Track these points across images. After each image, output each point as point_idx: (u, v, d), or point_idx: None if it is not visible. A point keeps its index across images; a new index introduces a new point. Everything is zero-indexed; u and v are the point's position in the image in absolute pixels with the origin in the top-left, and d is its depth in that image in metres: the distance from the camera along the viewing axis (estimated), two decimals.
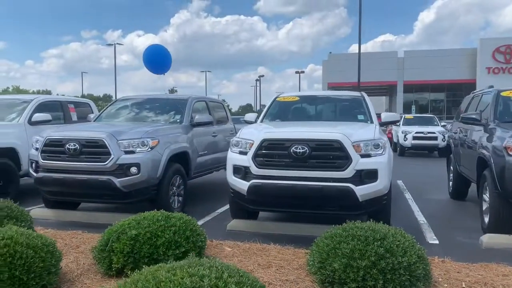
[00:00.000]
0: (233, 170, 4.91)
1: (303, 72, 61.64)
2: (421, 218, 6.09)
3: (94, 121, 7.04)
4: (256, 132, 4.94)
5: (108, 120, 6.96)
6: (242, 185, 4.78)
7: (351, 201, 4.49)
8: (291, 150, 4.54)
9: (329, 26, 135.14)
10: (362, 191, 4.46)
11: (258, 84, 66.25)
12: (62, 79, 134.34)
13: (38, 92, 65.83)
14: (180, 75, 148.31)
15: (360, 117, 5.96)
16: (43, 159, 5.48)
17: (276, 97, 6.63)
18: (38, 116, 7.40)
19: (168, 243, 3.56)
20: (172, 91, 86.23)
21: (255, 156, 4.70)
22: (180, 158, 6.12)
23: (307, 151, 4.50)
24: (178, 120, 6.71)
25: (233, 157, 4.95)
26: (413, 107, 42.32)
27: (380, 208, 4.78)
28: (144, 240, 3.53)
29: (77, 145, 5.30)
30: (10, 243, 3.09)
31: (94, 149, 5.32)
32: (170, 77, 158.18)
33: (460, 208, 7.01)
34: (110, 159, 5.24)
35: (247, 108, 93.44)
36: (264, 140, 4.69)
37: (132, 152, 5.37)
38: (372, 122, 5.79)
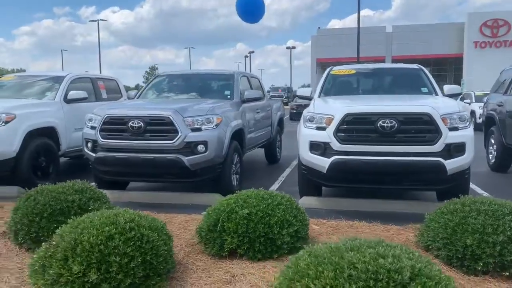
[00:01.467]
0: (309, 147, 4.76)
1: (294, 47, 61.21)
2: (480, 191, 6.08)
3: (137, 98, 6.75)
4: (335, 107, 4.77)
5: (154, 97, 6.68)
6: (322, 161, 4.64)
7: (440, 175, 4.40)
8: (378, 125, 4.40)
9: (308, 1, 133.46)
10: (451, 165, 4.37)
11: (248, 61, 65.64)
12: (36, 57, 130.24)
13: (13, 71, 63.20)
14: (157, 52, 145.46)
15: (424, 89, 5.83)
16: (102, 138, 5.22)
17: (330, 71, 6.43)
18: (74, 94, 7.07)
19: (281, 222, 3.42)
20: (153, 68, 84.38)
21: (337, 132, 4.55)
22: (237, 135, 5.94)
23: (396, 125, 4.37)
24: (228, 96, 6.48)
25: (309, 133, 4.79)
26: None
27: (462, 182, 4.71)
28: (258, 219, 3.38)
29: (141, 123, 5.06)
30: (134, 226, 2.90)
31: (160, 127, 5.09)
32: (147, 55, 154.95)
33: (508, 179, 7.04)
34: (177, 137, 5.02)
35: None
36: (347, 115, 4.53)
37: (199, 129, 5.16)
38: (437, 94, 5.67)
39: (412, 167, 4.35)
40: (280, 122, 8.98)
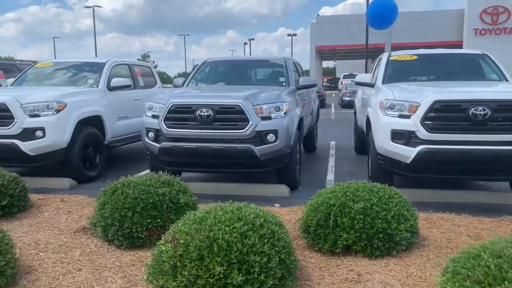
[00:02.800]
0: (391, 136, 4.55)
1: (295, 35, 60.68)
2: None
3: (187, 85, 6.48)
4: (419, 93, 4.55)
5: (206, 84, 6.41)
6: (406, 151, 4.43)
7: None
8: (470, 112, 4.19)
9: None
10: None
11: (248, 48, 65.03)
12: (23, 44, 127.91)
13: (1, 59, 61.64)
14: (147, 39, 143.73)
15: (493, 76, 5.63)
16: (167, 127, 4.96)
17: (389, 56, 6.20)
18: (117, 81, 6.78)
19: (397, 216, 3.22)
20: (145, 56, 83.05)
21: (425, 119, 4.34)
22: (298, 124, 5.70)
23: (489, 113, 4.16)
24: (284, 83, 6.24)
25: (391, 121, 4.58)
26: None
27: None
28: (374, 214, 3.17)
29: (210, 112, 4.81)
30: (263, 222, 2.69)
31: (230, 116, 4.85)
32: (136, 42, 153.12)
33: None
34: (248, 125, 4.79)
35: None
36: (436, 102, 4.31)
37: (268, 118, 4.92)
38: (507, 80, 5.48)
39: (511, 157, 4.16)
40: (318, 110, 8.79)
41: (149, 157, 5.43)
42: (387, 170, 4.83)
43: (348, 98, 21.66)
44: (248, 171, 5.20)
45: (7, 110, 5.28)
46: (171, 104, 4.96)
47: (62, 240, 3.63)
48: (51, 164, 5.68)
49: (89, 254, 3.34)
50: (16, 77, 7.13)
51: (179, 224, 2.74)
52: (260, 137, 4.84)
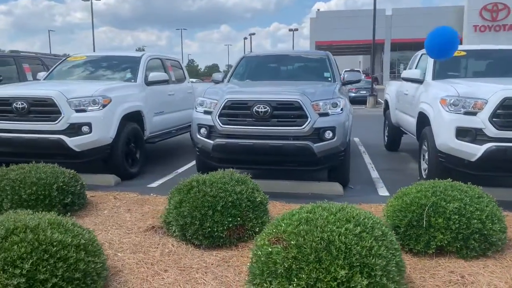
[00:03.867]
0: (456, 133, 4.46)
1: (296, 30, 60.41)
2: None
3: (227, 81, 6.35)
4: (485, 90, 4.45)
5: (249, 80, 6.28)
6: (471, 149, 4.35)
7: None
8: None
9: None
10: None
11: (249, 43, 64.71)
12: (12, 37, 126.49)
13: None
14: (139, 34, 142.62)
15: None
16: (222, 124, 4.84)
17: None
18: (155, 76, 6.65)
19: (491, 216, 3.13)
20: (140, 50, 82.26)
21: (493, 117, 4.25)
22: None
23: None
24: (329, 79, 6.13)
25: (455, 118, 4.49)
26: (402, 66, 42.15)
27: None
28: (469, 214, 3.08)
29: (267, 108, 4.69)
30: (374, 223, 2.58)
31: (288, 112, 4.73)
32: (128, 36, 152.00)
33: None
34: (307, 122, 4.67)
35: (214, 68, 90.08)
36: (506, 99, 4.22)
37: (326, 114, 4.80)
38: None
39: None
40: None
41: (198, 153, 5.31)
42: (447, 168, 4.74)
43: (353, 94, 21.63)
44: (304, 168, 5.09)
45: (54, 105, 5.14)
46: (227, 100, 4.83)
47: (135, 239, 3.52)
48: (95, 160, 5.55)
49: (170, 254, 3.23)
50: (49, 71, 6.98)
51: (282, 225, 2.63)
52: (318, 134, 4.73)
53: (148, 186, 5.51)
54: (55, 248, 2.41)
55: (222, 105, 4.84)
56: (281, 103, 4.73)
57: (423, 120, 5.30)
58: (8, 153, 5.42)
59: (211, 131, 4.97)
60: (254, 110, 4.71)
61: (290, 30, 63.23)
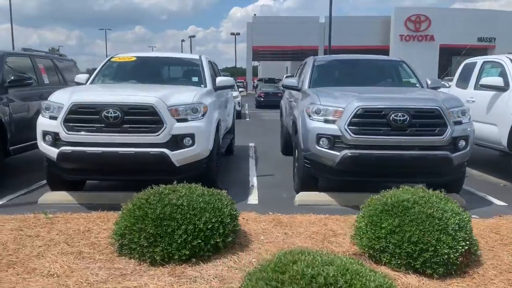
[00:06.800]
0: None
1: (238, 34, 59.90)
2: None
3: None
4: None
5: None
6: None
7: None
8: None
9: None
10: None
11: (189, 44, 63.43)
12: None
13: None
14: (46, 33, 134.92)
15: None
16: (354, 133, 4.43)
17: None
18: (222, 81, 6.05)
19: None
20: (53, 51, 76.98)
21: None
22: None
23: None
24: (417, 85, 6.00)
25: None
26: None
27: None
28: None
29: (406, 116, 4.37)
30: None
31: (427, 120, 4.47)
32: (33, 35, 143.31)
33: None
34: (447, 131, 4.45)
35: None
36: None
37: (459, 123, 4.63)
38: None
39: None
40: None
41: (308, 166, 4.86)
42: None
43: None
44: (432, 180, 4.82)
45: (155, 113, 4.42)
46: (358, 108, 4.45)
47: None
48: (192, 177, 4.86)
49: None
50: (95, 73, 6.08)
51: None
52: (454, 143, 4.53)
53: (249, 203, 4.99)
54: None
55: (353, 113, 4.45)
56: (421, 111, 4.48)
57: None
58: (94, 171, 4.61)
59: (336, 141, 4.56)
60: (391, 118, 4.39)
61: (232, 34, 62.75)
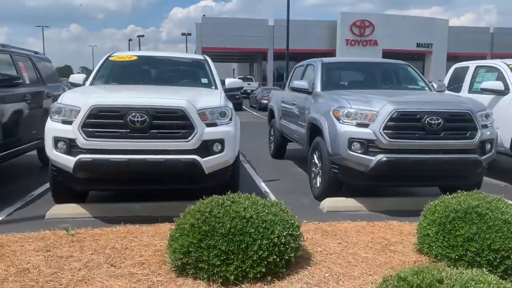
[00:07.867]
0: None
1: (190, 34, 58.90)
2: None
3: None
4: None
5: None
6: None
7: None
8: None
9: None
10: None
11: (137, 45, 61.64)
12: None
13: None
14: None
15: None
16: (390, 137, 4.36)
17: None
18: (232, 83, 5.82)
19: None
20: None
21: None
22: None
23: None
24: (426, 88, 6.06)
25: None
26: (284, 75, 44.01)
27: None
28: None
29: (440, 120, 4.36)
30: None
31: (459, 124, 4.48)
32: None
33: None
34: (477, 135, 4.50)
35: (67, 70, 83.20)
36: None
37: (486, 126, 4.72)
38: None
39: None
40: None
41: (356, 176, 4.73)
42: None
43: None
44: (459, 183, 4.83)
45: (185, 117, 4.09)
46: (394, 112, 4.38)
47: None
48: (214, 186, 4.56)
49: None
50: (94, 73, 5.58)
51: None
52: (483, 147, 4.60)
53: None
54: None
55: (389, 116, 4.38)
56: (454, 114, 4.49)
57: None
58: (115, 181, 4.20)
59: (370, 146, 4.46)
60: (426, 122, 4.37)
61: (183, 34, 61.70)
